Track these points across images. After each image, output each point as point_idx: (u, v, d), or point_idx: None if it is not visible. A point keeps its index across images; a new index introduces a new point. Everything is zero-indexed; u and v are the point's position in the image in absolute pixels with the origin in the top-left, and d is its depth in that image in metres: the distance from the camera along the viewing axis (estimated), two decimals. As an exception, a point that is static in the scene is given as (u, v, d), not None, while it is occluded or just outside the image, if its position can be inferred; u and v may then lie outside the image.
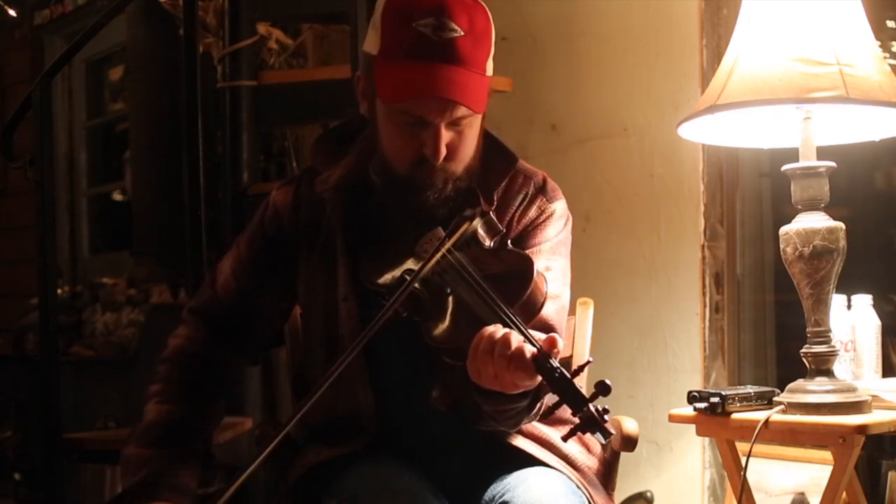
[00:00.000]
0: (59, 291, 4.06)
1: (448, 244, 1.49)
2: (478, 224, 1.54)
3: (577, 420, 1.32)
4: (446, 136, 1.52)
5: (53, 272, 2.88)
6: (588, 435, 1.69)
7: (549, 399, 1.39)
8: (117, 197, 5.00)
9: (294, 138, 3.58)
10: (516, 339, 1.35)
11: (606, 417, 1.30)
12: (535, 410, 1.51)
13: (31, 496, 4.34)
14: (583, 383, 1.45)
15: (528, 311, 1.45)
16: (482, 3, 1.56)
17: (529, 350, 1.34)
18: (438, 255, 1.47)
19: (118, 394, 4.25)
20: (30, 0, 5.02)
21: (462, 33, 1.50)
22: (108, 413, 4.19)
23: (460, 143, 1.55)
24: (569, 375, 1.33)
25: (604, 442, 1.33)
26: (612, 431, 1.32)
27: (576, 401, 1.31)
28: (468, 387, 1.44)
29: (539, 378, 1.35)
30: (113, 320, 4.49)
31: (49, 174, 2.86)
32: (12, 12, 4.94)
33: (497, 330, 1.37)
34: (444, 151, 1.52)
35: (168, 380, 1.67)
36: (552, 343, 1.34)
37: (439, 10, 1.49)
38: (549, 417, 1.55)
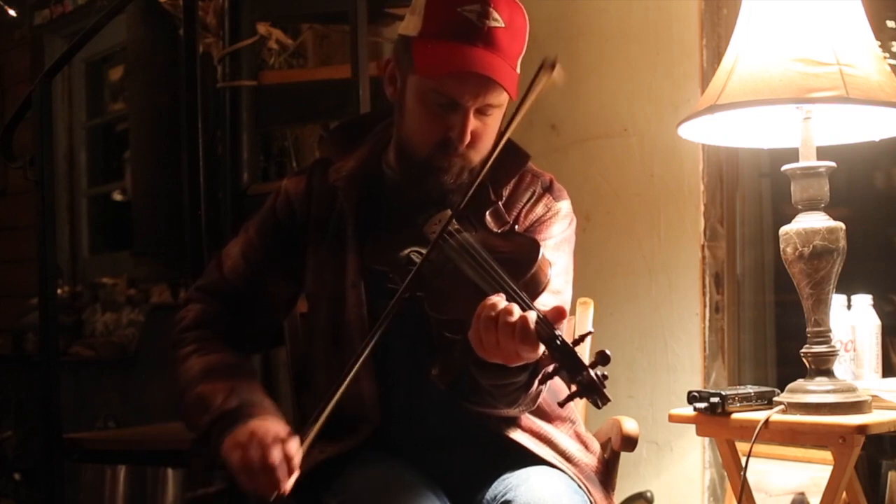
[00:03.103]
0: (59, 291, 4.06)
1: (502, 143, 1.53)
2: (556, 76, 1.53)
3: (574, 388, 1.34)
4: (473, 123, 1.56)
5: (53, 272, 2.88)
6: (580, 423, 1.70)
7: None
8: (117, 197, 5.01)
9: (294, 138, 3.58)
10: (518, 309, 1.37)
11: (605, 384, 1.33)
12: (532, 388, 1.52)
13: (31, 496, 4.34)
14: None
15: (531, 290, 1.47)
16: (521, 4, 1.61)
17: (532, 321, 1.35)
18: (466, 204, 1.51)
19: (118, 394, 4.25)
20: (30, 0, 5.02)
21: (503, 24, 1.56)
22: (108, 413, 4.20)
23: (483, 132, 1.59)
24: (570, 344, 1.35)
25: (599, 408, 1.35)
26: (610, 398, 1.34)
27: (575, 367, 1.34)
28: (467, 362, 1.45)
29: (541, 349, 1.36)
30: (113, 320, 4.49)
31: (49, 174, 2.86)
32: (12, 12, 4.95)
33: (500, 300, 1.38)
34: (469, 137, 1.56)
35: (200, 339, 1.68)
36: (559, 313, 1.36)
37: None
38: (546, 383, 1.57)
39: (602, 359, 1.32)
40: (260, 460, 1.43)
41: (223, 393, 1.56)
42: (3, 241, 5.13)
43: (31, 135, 2.87)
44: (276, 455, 1.43)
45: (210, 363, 1.63)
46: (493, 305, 1.37)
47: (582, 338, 1.37)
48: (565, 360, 1.34)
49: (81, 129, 5.08)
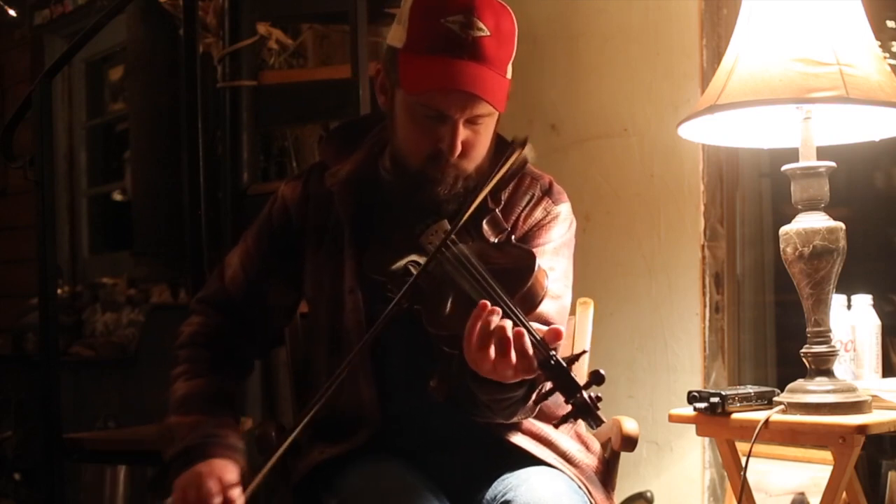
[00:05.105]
0: (59, 291, 4.06)
1: (491, 184, 1.54)
2: (527, 153, 1.57)
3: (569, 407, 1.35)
4: (463, 133, 1.55)
5: (53, 272, 2.88)
6: (581, 423, 1.71)
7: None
8: (117, 197, 5.01)
9: (294, 138, 3.58)
10: (509, 327, 1.36)
11: (599, 405, 1.33)
12: (530, 401, 1.52)
13: (31, 496, 4.34)
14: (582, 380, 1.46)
15: (528, 303, 1.47)
16: (508, 7, 1.59)
17: (528, 341, 1.35)
18: (455, 230, 1.50)
19: (118, 394, 4.25)
20: (30, 0, 5.02)
21: (488, 33, 1.53)
22: (108, 413, 4.19)
23: (475, 141, 1.58)
24: (564, 364, 1.34)
25: (594, 429, 1.35)
26: (604, 420, 1.35)
27: (569, 388, 1.34)
28: (465, 376, 1.45)
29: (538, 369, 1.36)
30: (113, 320, 4.49)
31: (49, 174, 2.86)
32: (12, 12, 4.95)
33: (493, 317, 1.37)
34: (459, 148, 1.55)
35: (191, 360, 1.69)
36: (556, 335, 1.36)
37: (468, 8, 1.53)
38: (541, 404, 1.57)
39: (596, 379, 1.32)
40: (196, 502, 1.48)
41: (189, 427, 1.60)
42: (3, 241, 5.12)
43: (31, 135, 2.87)
44: (213, 500, 1.48)
45: (189, 391, 1.66)
46: (484, 328, 1.37)
47: (577, 357, 1.36)
48: (559, 380, 1.35)
49: (81, 129, 5.07)
